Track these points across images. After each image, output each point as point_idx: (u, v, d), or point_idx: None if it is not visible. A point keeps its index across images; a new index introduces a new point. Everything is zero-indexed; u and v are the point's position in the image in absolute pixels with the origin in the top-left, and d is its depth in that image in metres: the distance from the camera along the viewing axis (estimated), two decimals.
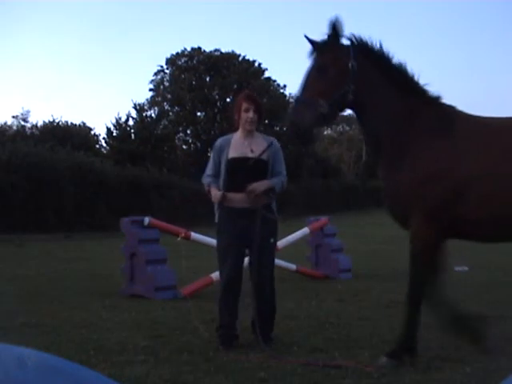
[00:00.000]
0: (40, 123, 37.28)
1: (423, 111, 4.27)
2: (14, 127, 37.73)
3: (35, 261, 12.22)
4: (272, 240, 5.00)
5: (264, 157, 4.91)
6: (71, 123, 37.63)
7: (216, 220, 5.04)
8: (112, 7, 68.54)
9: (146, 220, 7.62)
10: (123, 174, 25.33)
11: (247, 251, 5.01)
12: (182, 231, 7.55)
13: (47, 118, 48.38)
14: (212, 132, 37.35)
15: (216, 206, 5.00)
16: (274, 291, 5.03)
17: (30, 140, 25.88)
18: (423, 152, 4.15)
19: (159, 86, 41.22)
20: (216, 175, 5.00)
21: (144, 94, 70.71)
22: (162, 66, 41.29)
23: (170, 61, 40.77)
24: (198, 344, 4.93)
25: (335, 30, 4.25)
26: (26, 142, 23.44)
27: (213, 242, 7.78)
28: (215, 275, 7.39)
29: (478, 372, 3.99)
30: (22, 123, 38.14)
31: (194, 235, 7.83)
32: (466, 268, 9.84)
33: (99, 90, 67.52)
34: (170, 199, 25.99)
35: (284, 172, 5.06)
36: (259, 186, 4.83)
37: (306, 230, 9.18)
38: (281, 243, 7.64)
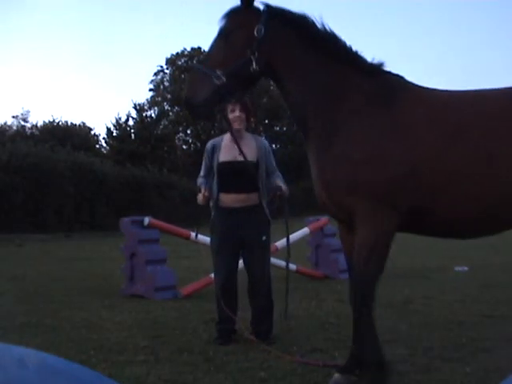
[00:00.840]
0: (40, 123, 37.33)
1: (359, 81, 3.60)
2: (14, 127, 37.75)
3: (35, 261, 12.22)
4: (264, 238, 5.05)
5: (253, 159, 4.98)
6: (71, 123, 37.68)
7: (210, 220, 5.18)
8: (112, 7, 68.58)
9: (146, 220, 7.62)
10: (123, 174, 25.35)
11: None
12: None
13: (47, 118, 48.46)
14: (212, 132, 37.37)
15: (211, 207, 5.13)
16: (269, 289, 5.09)
17: (30, 140, 25.89)
18: (359, 131, 3.51)
19: (159, 86, 41.26)
20: (208, 176, 5.13)
21: (144, 94, 70.79)
22: (161, 66, 41.34)
23: (170, 61, 40.82)
24: (198, 344, 4.93)
25: None
26: (26, 142, 23.44)
27: None
28: None
29: (477, 372, 4.00)
30: (22, 123, 38.16)
31: (194, 235, 7.82)
32: (466, 268, 9.84)
33: (99, 89, 67.53)
34: (170, 199, 26.01)
35: (276, 170, 5.15)
36: (285, 189, 4.94)
37: (306, 230, 9.17)
38: (281, 243, 7.64)
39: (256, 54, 3.56)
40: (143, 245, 7.58)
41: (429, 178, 3.37)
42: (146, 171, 27.14)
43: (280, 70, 3.65)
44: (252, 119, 5.28)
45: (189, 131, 40.27)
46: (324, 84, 3.60)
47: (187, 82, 3.85)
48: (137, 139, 34.44)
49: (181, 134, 40.34)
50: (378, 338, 3.70)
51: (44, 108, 69.95)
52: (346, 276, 9.02)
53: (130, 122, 36.16)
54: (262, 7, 3.67)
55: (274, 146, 33.92)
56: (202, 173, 5.19)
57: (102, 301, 7.16)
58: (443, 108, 3.51)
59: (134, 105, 37.17)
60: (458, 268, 9.85)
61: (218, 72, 3.54)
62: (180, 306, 6.69)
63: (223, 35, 3.64)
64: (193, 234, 7.09)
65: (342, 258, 9.41)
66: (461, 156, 3.35)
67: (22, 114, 38.83)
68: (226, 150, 5.03)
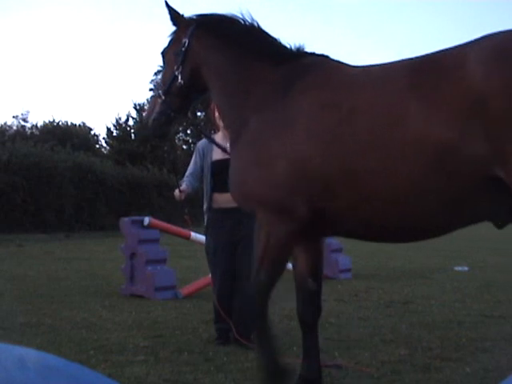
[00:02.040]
0: (40, 123, 37.33)
1: (267, 73, 3.33)
2: (14, 127, 37.74)
3: (35, 261, 12.22)
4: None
5: None
6: (71, 123, 37.68)
7: (205, 222, 5.16)
8: (112, 7, 68.56)
9: (146, 220, 7.63)
10: (123, 174, 25.34)
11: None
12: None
13: (47, 118, 48.46)
14: (212, 132, 37.32)
15: (205, 208, 5.11)
16: None
17: (30, 140, 25.89)
18: (254, 129, 3.21)
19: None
20: (192, 174, 5.14)
21: (144, 94, 70.75)
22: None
23: None
24: (198, 344, 4.93)
25: (170, 8, 3.70)
26: (26, 142, 23.44)
27: None
28: None
29: (477, 372, 4.00)
30: (22, 123, 38.15)
31: (194, 235, 7.83)
32: (466, 268, 9.84)
33: (99, 89, 67.51)
34: (169, 199, 25.98)
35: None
36: None
37: None
38: None
39: (180, 68, 3.57)
40: (143, 245, 7.59)
41: (318, 176, 2.96)
42: (145, 171, 27.14)
43: (203, 77, 3.58)
44: None
45: (189, 131, 40.28)
46: (236, 82, 3.44)
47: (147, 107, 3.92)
48: (137, 139, 34.44)
49: (181, 134, 40.33)
50: (275, 349, 3.30)
51: (44, 108, 69.94)
52: (346, 276, 9.10)
53: (130, 122, 36.17)
54: (189, 17, 3.69)
55: None
56: (187, 172, 5.20)
57: (102, 301, 7.16)
58: (340, 89, 3.05)
59: (134, 105, 37.17)
60: (457, 268, 9.85)
61: (160, 91, 3.65)
62: (180, 306, 6.69)
63: (162, 55, 3.76)
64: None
65: (341, 258, 9.43)
66: (349, 148, 2.87)
67: (22, 114, 38.84)
68: (218, 148, 4.98)
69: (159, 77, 3.95)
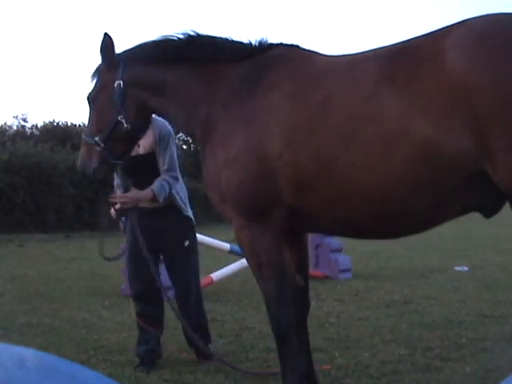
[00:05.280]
0: (40, 123, 37.30)
1: (229, 71, 3.17)
2: (14, 127, 37.72)
3: (35, 261, 12.21)
4: (187, 243, 4.44)
5: (148, 150, 4.31)
6: (71, 123, 37.66)
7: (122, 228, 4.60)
8: (112, 7, 68.57)
9: None
10: None
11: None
12: None
13: (47, 118, 48.49)
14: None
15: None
16: (199, 304, 4.56)
17: (30, 140, 25.87)
18: (225, 128, 3.05)
19: None
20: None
21: None
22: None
23: None
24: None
25: (104, 45, 3.41)
26: (26, 142, 23.43)
27: (213, 241, 7.81)
28: (215, 275, 7.39)
29: (477, 372, 4.00)
30: (22, 123, 38.13)
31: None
32: (466, 268, 9.84)
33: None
34: None
35: (172, 167, 4.31)
36: (127, 198, 4.10)
37: None
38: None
39: (122, 112, 3.35)
40: None
41: (290, 174, 2.82)
42: None
43: (158, 106, 3.41)
44: None
45: None
46: (197, 89, 3.25)
47: (79, 154, 3.61)
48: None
49: (181, 134, 40.31)
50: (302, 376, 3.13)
51: (44, 108, 69.92)
52: (346, 276, 9.09)
53: None
54: (116, 56, 3.43)
55: None
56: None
57: (102, 301, 7.16)
58: (312, 80, 2.88)
59: None
60: (457, 268, 9.84)
61: (96, 139, 3.40)
62: None
63: (91, 101, 3.48)
64: None
65: (341, 257, 9.43)
66: (325, 142, 2.73)
67: (22, 114, 38.82)
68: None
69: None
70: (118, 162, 3.52)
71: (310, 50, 3.11)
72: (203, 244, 8.03)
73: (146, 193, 4.17)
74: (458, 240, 14.52)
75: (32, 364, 0.96)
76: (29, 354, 1.00)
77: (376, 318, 5.90)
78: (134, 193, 4.17)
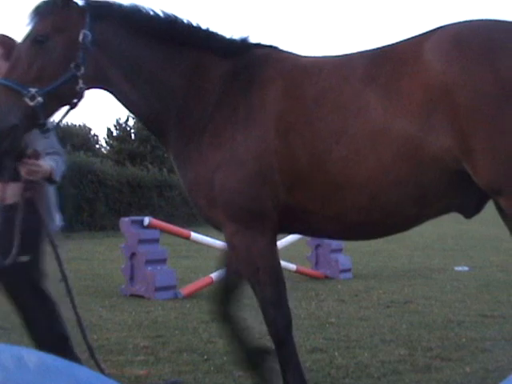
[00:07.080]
0: None
1: (216, 68, 2.99)
2: None
3: None
4: (27, 258, 3.39)
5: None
6: (71, 123, 37.70)
7: None
8: None
9: (146, 220, 7.64)
10: (123, 174, 25.34)
11: None
12: None
13: None
14: None
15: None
16: (55, 317, 3.70)
17: None
18: (216, 128, 2.91)
19: None
20: None
21: None
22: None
23: None
24: (198, 344, 4.93)
25: None
26: None
27: (213, 242, 7.83)
28: (215, 275, 7.39)
29: (477, 372, 4.00)
30: None
31: (194, 235, 7.85)
32: (466, 268, 9.85)
33: (99, 89, 67.38)
34: (169, 199, 26.01)
35: (59, 153, 3.34)
36: (51, 167, 3.14)
37: None
38: (280, 243, 7.63)
39: (82, 69, 2.81)
40: (143, 245, 7.59)
41: (285, 172, 2.80)
42: (145, 171, 27.16)
43: (116, 81, 2.97)
44: None
45: None
46: (177, 78, 2.98)
47: None
48: (137, 139, 34.46)
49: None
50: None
51: None
52: (346, 276, 9.09)
53: (130, 122, 36.19)
54: (82, 3, 2.90)
55: None
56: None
57: (102, 301, 7.16)
58: (301, 80, 2.88)
59: None
60: (457, 268, 9.85)
61: (33, 90, 2.73)
62: (180, 306, 6.69)
63: (35, 41, 2.81)
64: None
65: (341, 258, 9.44)
66: (318, 138, 2.74)
67: None
68: None
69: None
70: (43, 123, 2.85)
71: (288, 52, 3.12)
72: (203, 244, 8.05)
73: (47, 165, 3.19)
74: (458, 240, 14.53)
75: (32, 364, 0.96)
76: (29, 354, 1.00)
77: (376, 318, 5.90)
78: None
